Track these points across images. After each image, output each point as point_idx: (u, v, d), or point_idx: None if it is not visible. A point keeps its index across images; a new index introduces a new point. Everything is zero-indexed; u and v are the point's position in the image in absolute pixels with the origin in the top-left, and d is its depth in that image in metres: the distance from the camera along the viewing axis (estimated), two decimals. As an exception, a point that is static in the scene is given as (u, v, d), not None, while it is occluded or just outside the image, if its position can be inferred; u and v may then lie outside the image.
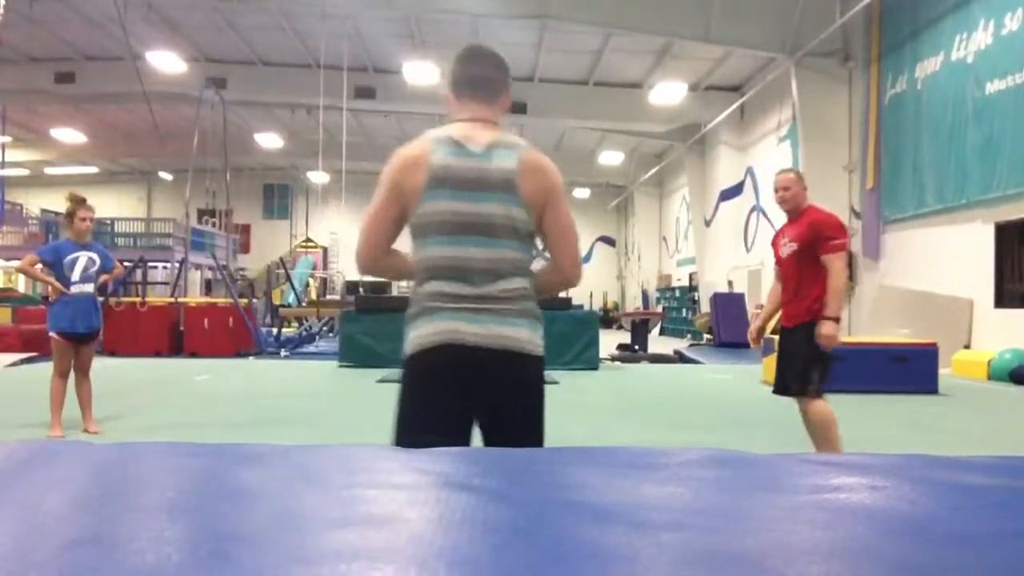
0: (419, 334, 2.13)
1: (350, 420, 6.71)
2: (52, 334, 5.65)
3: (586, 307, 23.20)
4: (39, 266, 5.74)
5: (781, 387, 4.46)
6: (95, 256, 5.80)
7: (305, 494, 1.50)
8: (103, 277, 5.98)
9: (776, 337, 10.35)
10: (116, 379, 9.10)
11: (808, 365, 4.27)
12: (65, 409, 5.73)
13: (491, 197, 2.21)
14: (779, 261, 4.50)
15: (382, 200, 2.20)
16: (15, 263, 8.96)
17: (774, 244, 4.57)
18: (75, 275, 5.66)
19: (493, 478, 1.60)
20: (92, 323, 5.77)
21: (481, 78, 2.49)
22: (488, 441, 2.18)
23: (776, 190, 4.42)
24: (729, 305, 17.60)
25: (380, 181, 2.22)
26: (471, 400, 2.16)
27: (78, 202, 5.75)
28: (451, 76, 2.42)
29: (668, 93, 18.80)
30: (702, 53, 18.12)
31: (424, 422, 2.17)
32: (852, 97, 15.29)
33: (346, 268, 27.10)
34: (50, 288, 5.77)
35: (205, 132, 20.46)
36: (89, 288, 5.75)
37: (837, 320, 4.16)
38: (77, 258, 5.68)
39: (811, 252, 4.21)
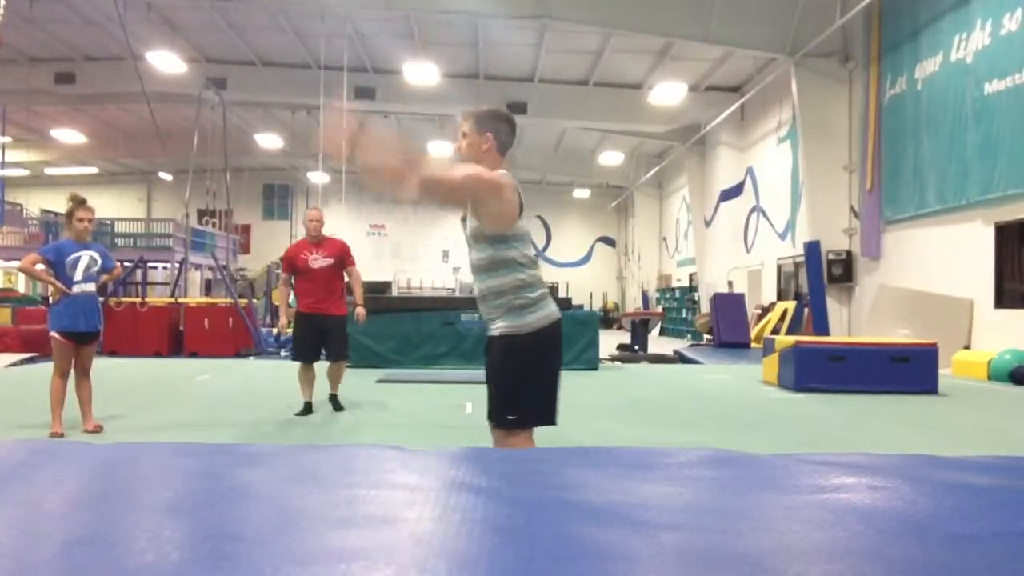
0: (549, 312, 3.01)
1: (350, 420, 6.70)
2: (53, 333, 5.64)
3: (586, 307, 23.21)
4: (40, 266, 5.74)
5: None
6: (96, 256, 5.80)
7: (305, 494, 1.50)
8: (103, 277, 5.98)
9: (776, 337, 10.34)
10: (116, 379, 9.10)
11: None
12: (65, 409, 5.73)
13: None
14: None
15: (509, 192, 2.97)
16: (15, 263, 8.98)
17: None
18: (77, 274, 5.65)
19: (493, 478, 1.60)
20: (93, 323, 5.77)
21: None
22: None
23: None
24: (729, 305, 17.60)
25: (504, 185, 2.96)
26: None
27: (78, 203, 5.75)
28: (503, 137, 3.13)
29: (668, 93, 18.80)
30: (702, 53, 18.13)
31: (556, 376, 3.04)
32: (852, 97, 15.30)
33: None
34: (51, 288, 5.77)
35: (205, 132, 20.46)
36: (91, 288, 5.75)
37: None
38: (79, 257, 5.68)
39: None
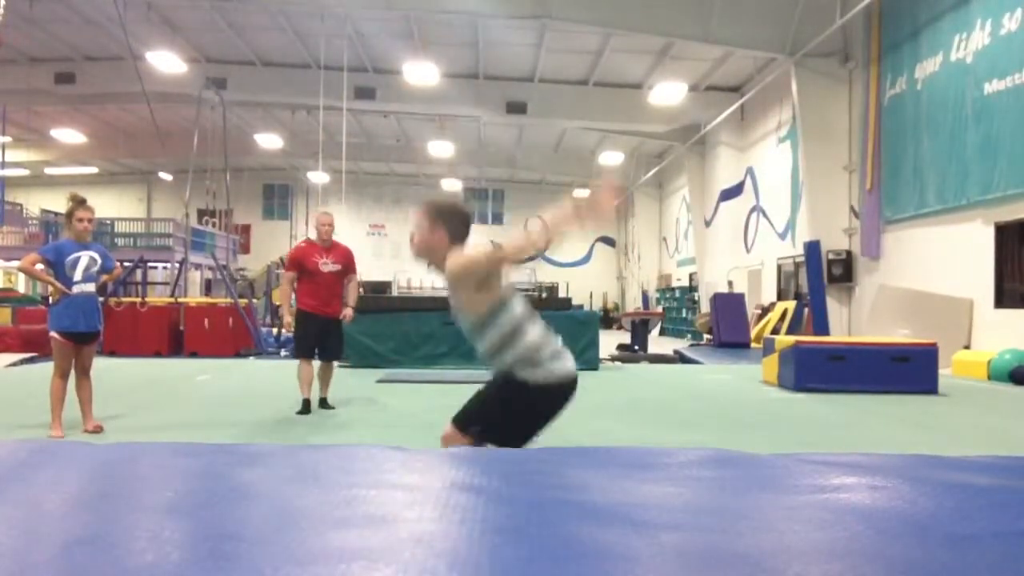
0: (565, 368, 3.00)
1: (350, 420, 6.70)
2: (53, 334, 5.64)
3: (586, 307, 23.21)
4: (40, 266, 5.73)
5: None
6: (96, 256, 5.79)
7: (305, 494, 1.50)
8: (103, 277, 5.98)
9: (776, 337, 10.33)
10: (116, 379, 9.10)
11: None
12: (65, 410, 5.73)
13: None
14: None
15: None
16: (15, 263, 8.97)
17: None
18: (77, 275, 5.65)
19: (493, 478, 1.60)
20: (93, 323, 5.77)
21: None
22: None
23: None
24: (729, 305, 17.59)
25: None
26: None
27: (77, 203, 5.74)
28: (457, 229, 3.12)
29: (668, 93, 18.79)
30: (702, 53, 18.13)
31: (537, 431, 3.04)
32: (852, 97, 15.30)
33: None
34: (51, 288, 5.76)
35: (205, 132, 20.46)
36: (91, 288, 5.74)
37: None
38: (79, 258, 5.68)
39: None
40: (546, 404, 3.02)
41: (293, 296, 7.23)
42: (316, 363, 7.10)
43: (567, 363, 3.04)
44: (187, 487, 1.57)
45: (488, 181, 34.40)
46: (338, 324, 7.06)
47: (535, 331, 3.02)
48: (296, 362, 7.14)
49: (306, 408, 6.92)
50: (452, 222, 3.12)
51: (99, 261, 5.79)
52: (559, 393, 3.02)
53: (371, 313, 11.53)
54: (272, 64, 20.70)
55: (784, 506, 1.47)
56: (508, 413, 3.01)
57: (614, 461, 1.80)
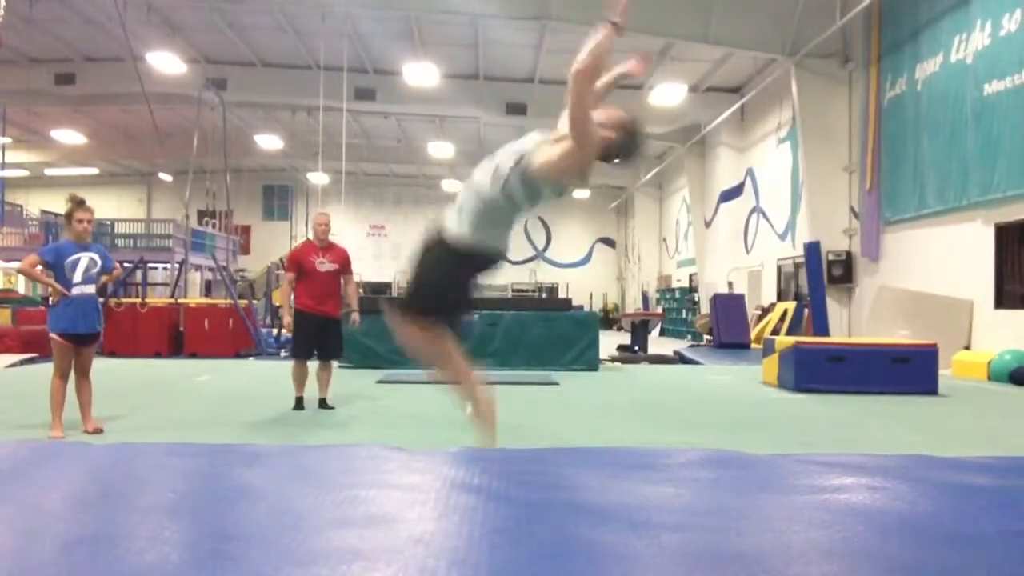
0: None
1: (350, 421, 6.70)
2: (53, 335, 5.63)
3: (586, 308, 23.20)
4: (39, 268, 5.73)
5: None
6: (96, 257, 5.78)
7: (305, 494, 1.50)
8: (103, 278, 5.97)
9: (776, 338, 10.33)
10: (116, 380, 9.10)
11: None
12: (65, 411, 5.73)
13: None
14: None
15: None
16: (15, 264, 8.97)
17: None
18: (77, 276, 5.64)
19: (493, 478, 1.60)
20: (93, 324, 5.76)
21: None
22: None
23: None
24: (729, 306, 17.59)
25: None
26: None
27: (77, 203, 5.73)
28: None
29: (668, 94, 18.79)
30: (702, 54, 18.13)
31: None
32: (852, 98, 15.30)
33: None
34: (51, 289, 5.76)
35: (205, 133, 20.45)
36: (91, 289, 5.74)
37: None
38: (79, 259, 5.67)
39: None
40: (459, 263, 3.26)
41: (292, 297, 7.29)
42: (315, 363, 7.13)
43: (499, 242, 3.33)
44: (187, 487, 1.58)
45: (488, 182, 34.37)
46: (336, 324, 7.12)
47: (498, 219, 3.27)
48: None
49: (299, 405, 7.04)
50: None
51: (99, 262, 5.78)
52: (474, 257, 3.26)
53: (371, 314, 11.53)
54: (272, 65, 20.69)
55: (784, 506, 1.47)
56: (427, 267, 3.32)
57: (614, 462, 1.80)
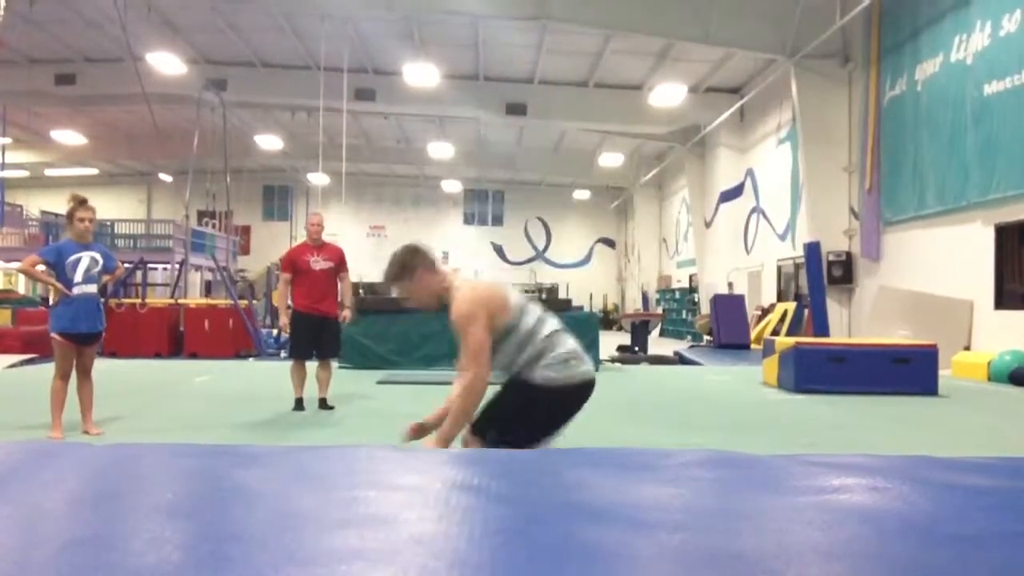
0: (570, 373, 3.12)
1: (350, 421, 6.70)
2: (54, 335, 5.63)
3: (586, 308, 23.20)
4: (40, 267, 5.72)
5: None
6: (98, 256, 5.78)
7: (304, 495, 1.50)
8: (105, 278, 5.96)
9: (776, 338, 10.33)
10: (116, 380, 9.10)
11: None
12: (65, 411, 5.73)
13: None
14: None
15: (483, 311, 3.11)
16: (16, 264, 8.95)
17: None
18: (78, 276, 5.63)
19: (493, 479, 1.60)
20: (95, 324, 5.76)
21: None
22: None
23: None
24: (729, 307, 17.59)
25: (477, 311, 3.08)
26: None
27: (78, 202, 5.73)
28: (423, 263, 3.26)
29: (668, 95, 18.79)
30: (702, 55, 18.13)
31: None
32: (852, 99, 15.30)
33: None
34: (51, 289, 5.75)
35: (205, 134, 20.46)
36: (92, 289, 5.73)
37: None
38: (80, 259, 5.66)
39: None
40: (558, 405, 3.10)
41: (290, 297, 7.32)
42: (313, 363, 7.14)
43: (581, 366, 3.14)
44: (187, 488, 1.58)
45: (488, 182, 34.42)
46: (333, 323, 7.14)
47: (547, 335, 3.13)
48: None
49: (299, 405, 7.06)
50: (420, 259, 3.26)
51: (100, 262, 5.78)
52: (571, 394, 3.10)
53: (371, 314, 11.54)
54: (272, 65, 20.70)
55: (784, 507, 1.47)
56: (520, 416, 3.10)
57: (614, 462, 1.80)
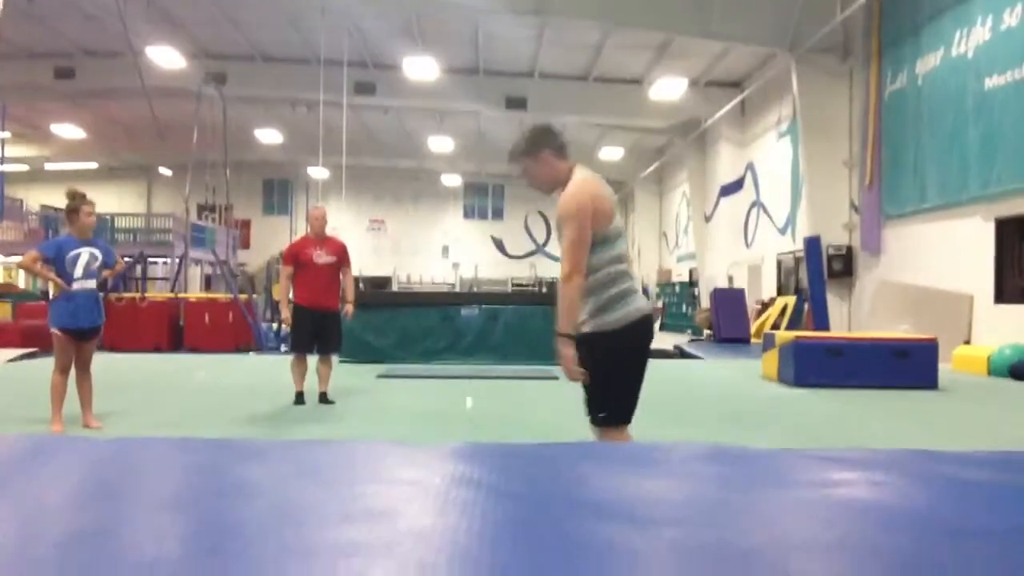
0: (629, 310, 3.06)
1: (350, 416, 6.71)
2: (54, 330, 5.63)
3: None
4: (40, 263, 5.72)
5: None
6: (97, 252, 5.78)
7: (305, 489, 1.50)
8: (105, 273, 5.96)
9: (776, 332, 10.33)
10: (116, 374, 9.10)
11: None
12: (65, 405, 5.73)
13: None
14: None
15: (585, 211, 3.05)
16: (15, 258, 8.96)
17: None
18: (78, 271, 5.64)
19: (493, 473, 1.60)
20: (94, 319, 5.76)
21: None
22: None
23: None
24: (729, 301, 17.59)
25: (581, 208, 3.06)
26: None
27: (81, 197, 5.73)
28: (553, 144, 3.20)
29: (668, 89, 18.75)
30: (702, 49, 18.09)
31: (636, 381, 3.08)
32: (852, 93, 15.28)
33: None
34: (51, 284, 5.75)
35: (205, 128, 20.42)
36: (92, 284, 5.74)
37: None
38: (79, 254, 5.67)
39: None
40: (616, 351, 3.05)
41: (292, 291, 7.29)
42: (314, 358, 7.13)
43: (630, 305, 3.08)
44: (187, 482, 1.58)
45: (488, 176, 34.38)
46: (335, 318, 7.11)
47: (608, 269, 3.08)
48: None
49: (299, 399, 7.06)
50: (547, 141, 3.17)
51: (100, 257, 5.78)
52: (626, 336, 3.05)
53: (371, 308, 11.54)
54: (272, 59, 20.67)
55: (784, 501, 1.48)
56: (605, 374, 3.05)
57: (614, 456, 1.80)
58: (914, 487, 1.55)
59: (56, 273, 5.60)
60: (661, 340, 19.43)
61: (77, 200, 5.70)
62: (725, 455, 1.86)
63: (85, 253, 5.69)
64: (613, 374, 3.05)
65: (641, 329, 3.10)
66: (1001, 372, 10.07)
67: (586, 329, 3.07)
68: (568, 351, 3.01)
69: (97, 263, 5.76)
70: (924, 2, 12.80)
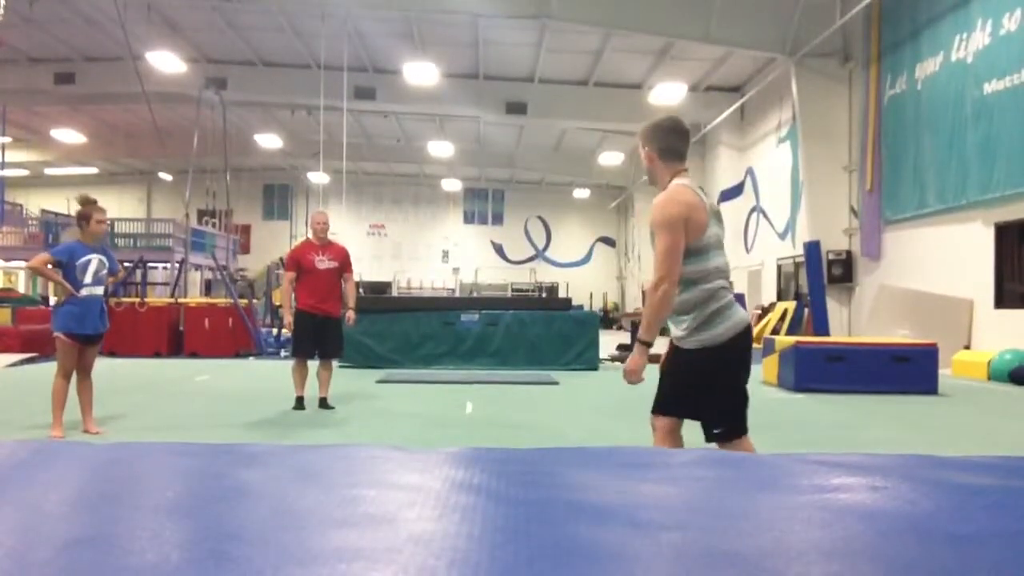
0: (732, 323, 3.03)
1: (349, 420, 6.70)
2: (58, 334, 5.62)
3: (586, 307, 23.18)
4: (50, 266, 5.71)
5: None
6: (105, 259, 5.80)
7: (305, 494, 1.50)
8: (108, 279, 5.97)
9: (776, 337, 10.34)
10: (116, 379, 9.10)
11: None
12: (66, 410, 5.73)
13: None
14: None
15: (678, 220, 2.97)
16: (16, 263, 8.94)
17: None
18: (87, 278, 5.64)
19: (493, 478, 1.60)
20: (99, 326, 5.77)
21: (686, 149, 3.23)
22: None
23: None
24: (729, 305, 17.57)
25: (673, 218, 2.96)
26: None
27: (92, 203, 5.73)
28: (663, 144, 3.13)
29: (668, 93, 18.79)
30: (702, 53, 18.13)
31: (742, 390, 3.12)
32: (852, 97, 15.30)
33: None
34: (52, 287, 5.75)
35: (205, 133, 20.46)
36: (99, 291, 5.74)
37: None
38: (90, 260, 5.67)
39: None
40: (723, 365, 3.06)
41: (293, 296, 7.29)
42: (315, 363, 7.13)
43: (732, 317, 3.05)
44: (187, 487, 1.58)
45: (488, 181, 34.42)
46: (336, 323, 7.12)
47: (705, 284, 3.02)
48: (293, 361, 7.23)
49: (300, 404, 7.07)
50: (657, 138, 3.12)
51: (107, 264, 5.79)
52: (731, 349, 3.05)
53: (371, 313, 11.54)
54: (272, 64, 20.71)
55: (784, 506, 1.47)
56: (694, 388, 3.09)
57: (613, 461, 1.80)
58: (915, 492, 1.55)
59: (65, 278, 5.59)
60: (662, 345, 19.36)
61: (88, 206, 5.70)
62: (725, 460, 1.86)
63: (95, 260, 5.69)
64: (724, 388, 3.07)
65: (745, 340, 3.10)
66: (1001, 377, 10.06)
67: (689, 345, 3.07)
68: (641, 360, 3.06)
69: (105, 270, 5.77)
70: (923, 7, 12.83)
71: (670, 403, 3.12)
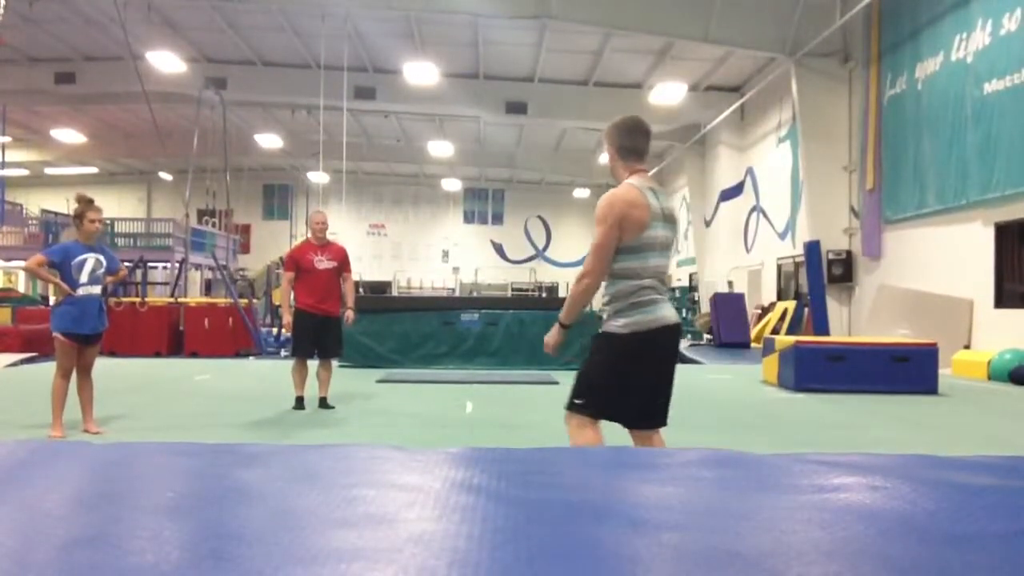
0: (644, 319, 3.05)
1: (350, 420, 6.71)
2: (57, 334, 5.62)
3: (586, 307, 23.23)
4: (45, 267, 5.71)
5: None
6: (102, 258, 5.79)
7: (305, 494, 1.50)
8: (108, 279, 5.96)
9: (776, 337, 10.34)
10: (116, 379, 9.10)
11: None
12: (66, 410, 5.73)
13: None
14: None
15: (614, 219, 3.06)
16: (16, 263, 8.96)
17: None
18: (83, 277, 5.64)
19: (493, 478, 1.60)
20: (97, 325, 5.77)
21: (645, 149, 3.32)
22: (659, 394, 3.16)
23: None
24: (729, 305, 17.59)
25: (609, 216, 3.06)
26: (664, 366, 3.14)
27: (87, 203, 5.72)
28: (620, 143, 3.31)
29: (668, 93, 18.79)
30: (702, 53, 18.13)
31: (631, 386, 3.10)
32: (852, 97, 15.30)
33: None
34: (51, 287, 5.75)
35: (205, 132, 20.45)
36: (96, 290, 5.74)
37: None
38: (85, 260, 5.67)
39: None
40: (628, 355, 3.07)
41: (292, 296, 7.30)
42: (315, 362, 7.14)
43: (655, 312, 3.07)
44: (187, 487, 1.58)
45: (488, 181, 34.42)
46: (336, 323, 7.13)
47: (633, 280, 3.08)
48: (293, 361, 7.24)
49: (299, 404, 7.08)
50: (617, 137, 3.29)
51: (104, 263, 5.79)
52: (639, 342, 3.06)
53: (371, 313, 11.53)
54: (272, 64, 20.70)
55: (784, 506, 1.47)
56: (595, 369, 3.15)
57: (614, 461, 1.80)
58: (915, 492, 1.55)
59: (61, 278, 5.59)
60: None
61: (83, 205, 5.70)
62: (725, 459, 1.86)
63: (91, 259, 5.69)
64: (605, 372, 3.12)
65: (650, 339, 3.07)
66: (1001, 377, 10.06)
67: (602, 329, 3.17)
68: (558, 337, 3.27)
69: (102, 269, 5.77)
70: (923, 7, 12.82)
71: (584, 392, 3.18)
